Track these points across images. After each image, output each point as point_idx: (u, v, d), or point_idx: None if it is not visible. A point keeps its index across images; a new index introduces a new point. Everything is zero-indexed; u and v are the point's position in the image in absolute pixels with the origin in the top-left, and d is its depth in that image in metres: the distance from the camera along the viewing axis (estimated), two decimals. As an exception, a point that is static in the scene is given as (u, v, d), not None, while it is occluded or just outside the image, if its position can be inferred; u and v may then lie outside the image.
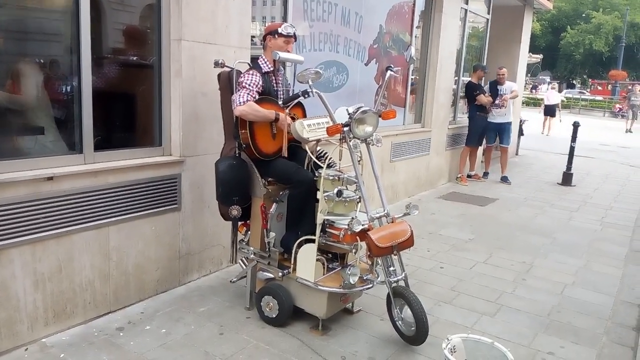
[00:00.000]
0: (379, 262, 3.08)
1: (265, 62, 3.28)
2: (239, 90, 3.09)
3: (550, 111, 17.40)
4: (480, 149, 8.66)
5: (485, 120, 8.05)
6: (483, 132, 8.15)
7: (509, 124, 8.25)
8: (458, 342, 2.56)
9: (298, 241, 3.10)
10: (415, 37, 6.82)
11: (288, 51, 3.23)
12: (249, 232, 3.39)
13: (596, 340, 3.29)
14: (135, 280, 3.39)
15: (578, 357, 3.08)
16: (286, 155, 3.18)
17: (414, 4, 6.55)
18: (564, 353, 3.11)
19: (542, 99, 21.81)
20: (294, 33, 3.26)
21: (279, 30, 3.20)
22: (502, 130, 8.21)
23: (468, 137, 8.06)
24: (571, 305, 3.79)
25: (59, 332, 2.98)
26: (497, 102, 8.07)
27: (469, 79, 8.15)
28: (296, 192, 3.20)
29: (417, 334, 2.94)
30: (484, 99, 7.82)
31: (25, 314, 2.81)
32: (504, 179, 8.30)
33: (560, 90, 33.00)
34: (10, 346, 2.76)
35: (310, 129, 3.16)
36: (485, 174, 8.56)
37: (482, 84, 8.09)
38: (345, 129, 2.96)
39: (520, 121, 11.04)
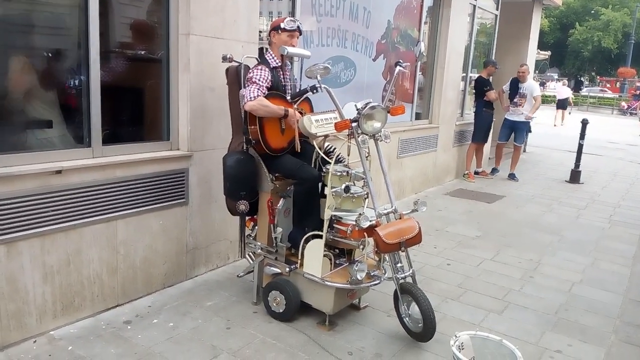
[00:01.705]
0: (387, 258, 3.07)
1: (273, 57, 3.27)
2: (248, 86, 3.07)
3: (561, 104, 20.06)
4: (488, 145, 8.60)
5: (491, 117, 8.00)
6: (488, 128, 8.10)
7: (525, 123, 8.20)
8: (466, 339, 2.55)
9: (305, 237, 3.10)
10: (424, 32, 6.78)
11: (293, 45, 3.22)
12: (257, 227, 3.39)
13: (604, 339, 3.27)
14: (143, 273, 3.40)
15: (586, 355, 3.07)
16: (299, 149, 3.17)
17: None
18: (572, 351, 3.09)
19: (550, 96, 22.86)
20: (298, 27, 3.25)
21: (282, 25, 3.19)
22: (517, 129, 8.17)
23: (474, 133, 8.01)
24: (579, 303, 3.77)
25: (67, 324, 3.00)
26: (515, 100, 8.01)
27: (477, 75, 8.10)
28: (301, 188, 3.19)
29: (424, 331, 2.94)
30: (493, 95, 7.78)
31: (34, 306, 2.82)
32: (512, 176, 8.25)
33: (577, 90, 33.37)
34: (19, 338, 2.78)
35: (318, 124, 3.14)
36: (494, 170, 8.50)
37: (492, 80, 8.03)
38: (354, 124, 2.94)
39: None
